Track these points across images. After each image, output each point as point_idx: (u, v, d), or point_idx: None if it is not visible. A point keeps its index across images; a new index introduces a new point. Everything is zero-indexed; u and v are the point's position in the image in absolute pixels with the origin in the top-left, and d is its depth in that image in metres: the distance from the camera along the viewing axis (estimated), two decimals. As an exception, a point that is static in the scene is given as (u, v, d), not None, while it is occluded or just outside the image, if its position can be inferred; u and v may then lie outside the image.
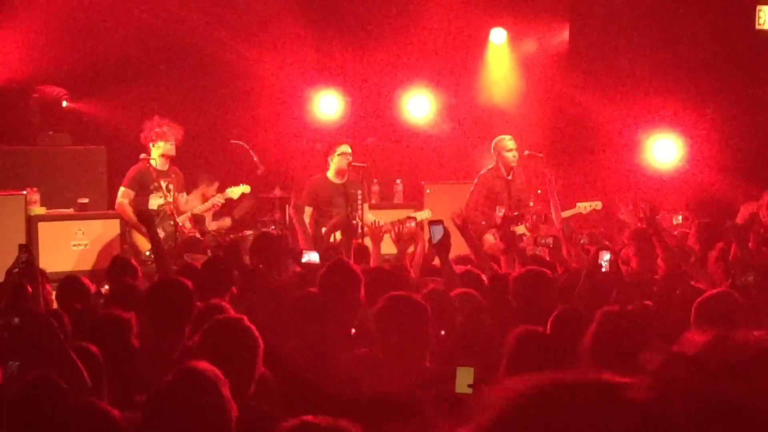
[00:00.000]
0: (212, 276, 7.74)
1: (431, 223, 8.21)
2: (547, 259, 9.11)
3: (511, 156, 12.43)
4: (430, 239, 8.13)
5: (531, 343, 5.33)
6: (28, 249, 7.88)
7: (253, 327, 5.13)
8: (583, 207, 12.52)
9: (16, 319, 5.90)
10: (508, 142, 12.50)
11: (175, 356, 5.78)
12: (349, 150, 12.14)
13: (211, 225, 13.17)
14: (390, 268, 7.98)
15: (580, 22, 15.10)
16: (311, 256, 8.46)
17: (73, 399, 4.75)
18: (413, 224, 9.65)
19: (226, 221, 13.42)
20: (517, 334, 5.40)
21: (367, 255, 9.29)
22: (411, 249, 9.75)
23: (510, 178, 12.47)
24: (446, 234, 7.85)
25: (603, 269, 7.75)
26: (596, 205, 12.55)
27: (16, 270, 7.46)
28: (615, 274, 7.90)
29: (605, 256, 7.83)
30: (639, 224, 9.72)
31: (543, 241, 9.22)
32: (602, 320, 5.34)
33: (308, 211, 12.06)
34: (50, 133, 13.14)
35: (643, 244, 8.73)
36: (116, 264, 8.74)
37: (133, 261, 9.14)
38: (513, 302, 7.38)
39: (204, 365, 4.28)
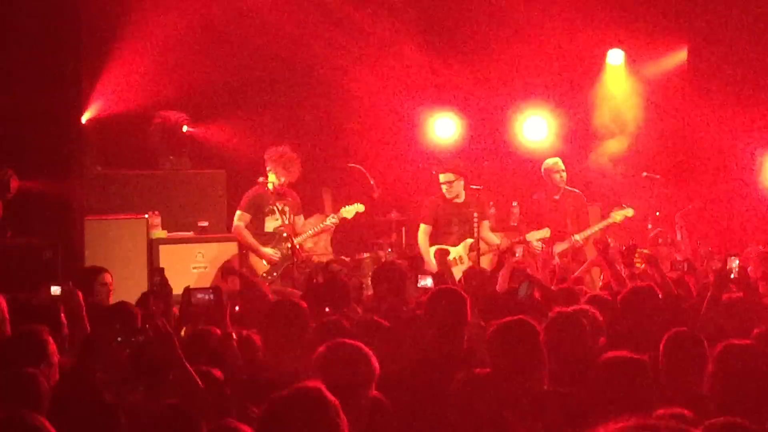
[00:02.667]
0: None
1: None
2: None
3: (558, 178, 12.70)
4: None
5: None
6: (162, 272, 8.06)
7: (369, 351, 5.16)
8: (616, 216, 12.43)
9: (140, 338, 6.01)
10: (557, 165, 12.84)
11: (291, 373, 5.83)
12: (450, 178, 12.21)
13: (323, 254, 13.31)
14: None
15: (699, 41, 14.88)
16: (426, 282, 8.48)
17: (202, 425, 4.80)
18: (520, 252, 9.67)
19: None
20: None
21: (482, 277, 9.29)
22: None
23: (558, 198, 12.54)
24: (532, 292, 7.80)
25: (732, 275, 7.64)
26: (628, 213, 12.43)
27: (151, 290, 7.62)
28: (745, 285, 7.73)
29: (734, 262, 7.70)
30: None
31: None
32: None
33: (426, 229, 12.15)
34: (171, 157, 13.36)
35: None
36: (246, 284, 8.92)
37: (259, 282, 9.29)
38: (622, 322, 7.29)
39: (319, 385, 4.31)
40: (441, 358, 6.29)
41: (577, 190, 12.90)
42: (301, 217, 12.50)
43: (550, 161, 12.94)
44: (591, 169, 14.55)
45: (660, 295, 7.50)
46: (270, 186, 11.92)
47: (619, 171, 14.63)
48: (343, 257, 13.41)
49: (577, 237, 12.41)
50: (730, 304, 7.29)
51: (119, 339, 6.19)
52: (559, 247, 12.32)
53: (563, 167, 12.81)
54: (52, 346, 6.09)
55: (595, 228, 12.41)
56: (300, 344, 6.36)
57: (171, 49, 13.25)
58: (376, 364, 5.16)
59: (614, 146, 14.65)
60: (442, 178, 12.29)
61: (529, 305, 7.51)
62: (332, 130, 14.72)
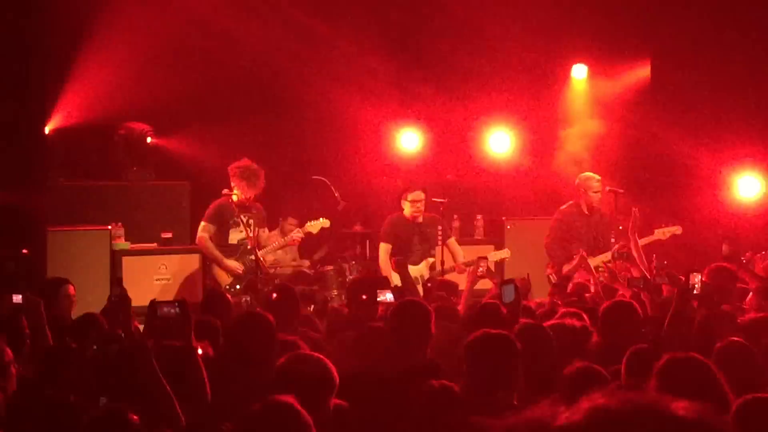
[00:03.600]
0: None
1: (503, 283, 8.12)
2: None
3: (596, 197, 12.44)
4: (500, 297, 8.04)
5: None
6: (120, 282, 8.04)
7: (327, 361, 5.18)
8: (661, 233, 12.30)
9: (115, 346, 6.01)
10: (595, 183, 12.52)
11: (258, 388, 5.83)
12: (421, 197, 12.21)
13: (288, 265, 13.30)
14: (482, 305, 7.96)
15: (662, 57, 15.00)
16: (386, 296, 8.49)
17: None
18: (483, 268, 9.67)
19: (305, 263, 13.55)
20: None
21: (455, 290, 9.31)
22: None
23: (588, 214, 12.45)
24: (518, 294, 7.78)
25: (695, 292, 7.65)
26: (676, 230, 12.32)
27: (111, 302, 7.59)
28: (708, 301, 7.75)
29: (696, 278, 7.71)
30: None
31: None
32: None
33: (386, 247, 12.14)
34: (135, 168, 13.34)
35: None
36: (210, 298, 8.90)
37: (227, 296, 9.26)
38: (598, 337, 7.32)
39: (291, 399, 4.33)
40: (403, 370, 6.30)
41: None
42: (266, 229, 12.51)
43: (586, 176, 12.65)
44: (557, 177, 14.50)
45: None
46: (234, 197, 11.92)
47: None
48: (305, 269, 13.43)
49: (662, 230, 12.21)
50: (693, 320, 7.33)
51: (95, 347, 6.18)
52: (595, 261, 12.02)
53: (599, 186, 12.53)
54: (9, 356, 6.07)
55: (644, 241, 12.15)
56: (265, 358, 6.34)
57: (135, 61, 13.22)
58: (335, 373, 5.19)
59: (576, 146, 14.66)
60: (413, 196, 12.24)
61: (512, 312, 7.49)
62: (296, 142, 14.71)
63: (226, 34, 13.81)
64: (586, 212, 12.45)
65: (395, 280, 11.38)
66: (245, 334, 6.48)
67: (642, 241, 11.74)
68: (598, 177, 12.60)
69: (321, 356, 5.33)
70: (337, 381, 5.22)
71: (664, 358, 5.34)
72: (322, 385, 5.17)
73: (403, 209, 12.31)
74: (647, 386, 5.46)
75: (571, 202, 12.61)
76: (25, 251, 10.00)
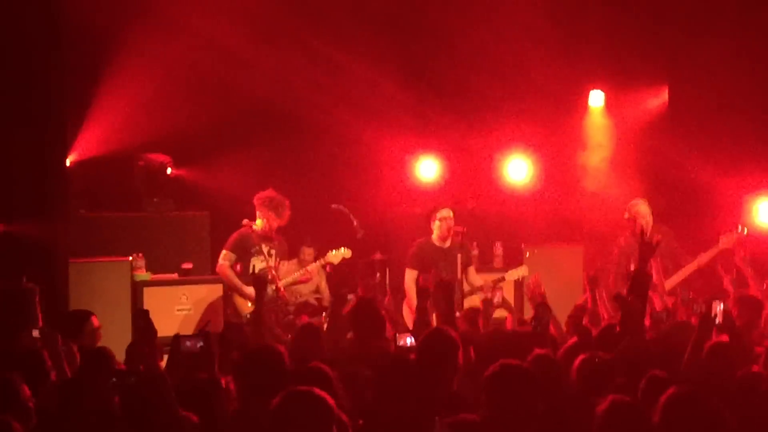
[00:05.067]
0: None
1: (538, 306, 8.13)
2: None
3: (645, 222, 12.35)
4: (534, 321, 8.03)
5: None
6: (146, 314, 8.07)
7: (327, 396, 5.12)
8: (727, 241, 12.03)
9: (133, 379, 6.04)
10: (643, 207, 12.48)
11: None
12: (450, 214, 12.22)
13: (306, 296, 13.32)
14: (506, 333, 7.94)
15: (680, 83, 14.99)
16: (407, 340, 8.26)
17: None
18: (499, 298, 9.65)
19: (325, 295, 13.54)
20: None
21: (477, 318, 9.27)
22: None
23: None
24: (548, 321, 7.76)
25: (717, 320, 7.60)
26: (740, 233, 12.04)
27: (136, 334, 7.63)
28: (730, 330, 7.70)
29: (719, 306, 7.65)
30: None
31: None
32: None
33: (412, 274, 12.07)
34: (155, 199, 13.39)
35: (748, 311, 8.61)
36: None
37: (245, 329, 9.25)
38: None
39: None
40: (428, 403, 6.27)
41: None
42: (286, 262, 12.54)
43: (635, 202, 12.62)
44: (576, 203, 14.50)
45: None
46: (256, 227, 11.95)
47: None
48: (310, 300, 13.43)
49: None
50: (715, 349, 7.29)
51: (114, 380, 6.21)
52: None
53: (648, 209, 12.51)
54: (26, 393, 6.13)
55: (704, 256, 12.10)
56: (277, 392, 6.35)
57: (155, 92, 13.29)
58: (333, 406, 5.13)
59: (593, 172, 14.66)
60: (442, 214, 12.24)
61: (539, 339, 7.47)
62: (314, 171, 14.75)
63: (244, 63, 13.88)
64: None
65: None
66: (254, 367, 6.49)
67: (705, 256, 11.65)
68: (645, 201, 12.56)
69: (316, 390, 5.22)
70: (336, 413, 5.15)
71: (669, 390, 5.35)
72: (319, 420, 5.09)
73: (432, 231, 12.28)
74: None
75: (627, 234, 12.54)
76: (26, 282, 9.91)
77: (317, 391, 5.12)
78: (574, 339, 7.69)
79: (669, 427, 5.28)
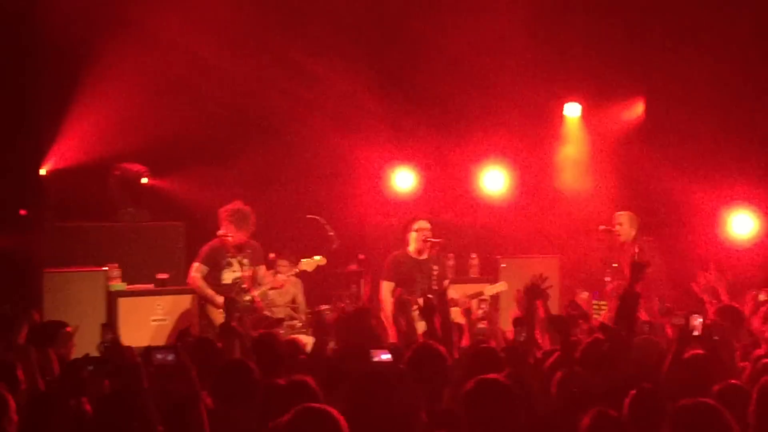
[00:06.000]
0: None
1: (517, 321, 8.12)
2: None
3: (625, 235, 12.97)
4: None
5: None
6: (113, 328, 8.01)
7: (337, 414, 5.07)
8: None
9: (108, 366, 6.01)
10: (624, 219, 13.09)
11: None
12: (427, 226, 12.18)
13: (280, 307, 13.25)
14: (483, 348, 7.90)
15: (656, 95, 15.04)
16: (382, 357, 8.13)
17: None
18: (483, 309, 9.62)
19: (300, 307, 13.46)
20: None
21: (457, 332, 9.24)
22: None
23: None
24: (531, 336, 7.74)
25: (695, 333, 7.59)
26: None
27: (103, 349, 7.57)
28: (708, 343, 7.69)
29: (697, 320, 7.64)
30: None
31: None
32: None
33: (389, 286, 12.03)
34: (130, 209, 13.36)
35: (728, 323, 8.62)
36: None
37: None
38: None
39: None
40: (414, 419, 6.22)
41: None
42: (263, 267, 12.43)
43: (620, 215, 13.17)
44: (551, 215, 14.57)
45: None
46: (229, 238, 11.90)
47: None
48: (288, 311, 13.34)
49: None
50: (691, 362, 7.29)
51: (90, 368, 6.17)
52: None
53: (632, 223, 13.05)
54: (12, 404, 6.07)
55: None
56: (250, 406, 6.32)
57: (130, 102, 13.25)
58: (346, 428, 5.07)
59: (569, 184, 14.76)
60: (418, 225, 12.18)
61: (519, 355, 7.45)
62: (290, 182, 14.73)
63: (220, 74, 13.88)
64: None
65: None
66: (227, 381, 6.47)
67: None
68: (629, 213, 13.11)
69: (330, 409, 5.17)
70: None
71: (678, 403, 5.35)
72: None
73: (407, 244, 12.22)
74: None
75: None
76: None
77: (331, 410, 5.06)
78: (557, 353, 7.66)
79: None
